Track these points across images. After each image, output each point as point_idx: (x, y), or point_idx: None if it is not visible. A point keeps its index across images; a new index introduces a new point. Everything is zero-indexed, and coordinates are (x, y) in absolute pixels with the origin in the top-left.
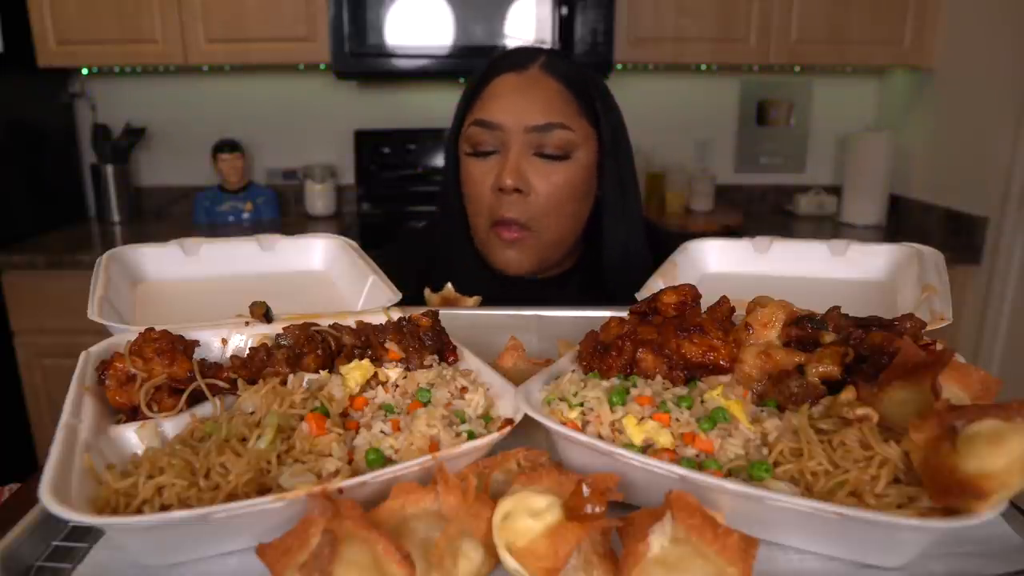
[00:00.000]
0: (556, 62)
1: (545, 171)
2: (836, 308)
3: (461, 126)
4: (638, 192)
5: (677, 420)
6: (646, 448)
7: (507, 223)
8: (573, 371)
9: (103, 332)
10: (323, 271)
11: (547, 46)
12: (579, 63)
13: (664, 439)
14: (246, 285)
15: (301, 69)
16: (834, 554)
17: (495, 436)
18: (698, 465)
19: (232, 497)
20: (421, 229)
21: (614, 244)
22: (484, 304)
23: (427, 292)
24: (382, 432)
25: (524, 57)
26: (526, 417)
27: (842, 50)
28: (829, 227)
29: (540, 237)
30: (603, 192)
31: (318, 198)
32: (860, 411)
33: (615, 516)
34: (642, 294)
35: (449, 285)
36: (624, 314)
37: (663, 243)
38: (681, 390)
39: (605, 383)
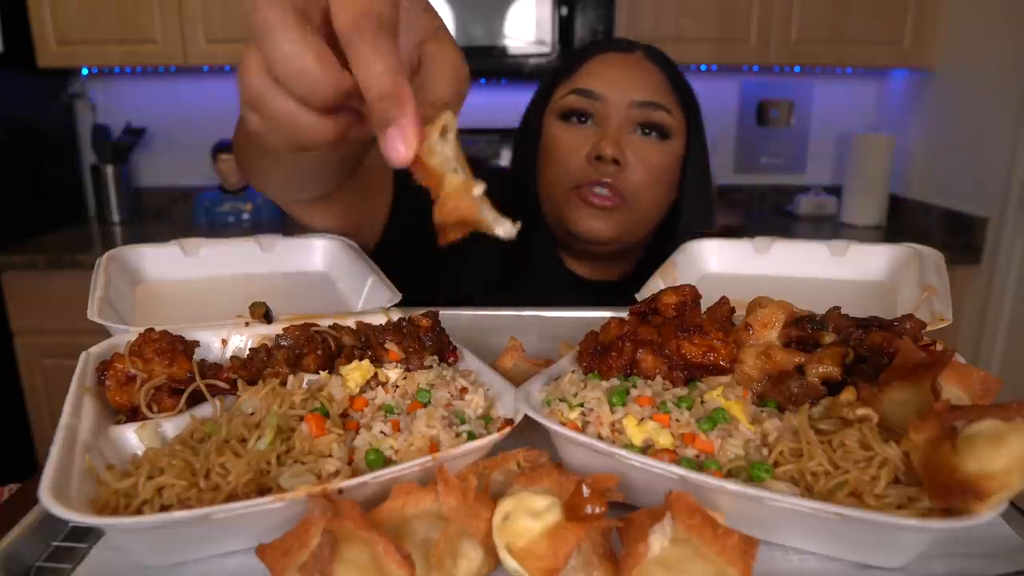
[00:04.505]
0: (656, 53)
1: (643, 148)
2: (836, 308)
3: (549, 96)
4: (713, 201)
5: (677, 420)
6: (646, 448)
7: (602, 185)
8: (573, 372)
9: (103, 332)
10: (323, 271)
11: (547, 47)
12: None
13: (664, 439)
14: (246, 285)
15: None
16: (834, 554)
17: (495, 437)
18: (698, 465)
19: (232, 497)
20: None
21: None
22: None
23: None
24: (382, 433)
25: (626, 43)
26: (526, 417)
27: (842, 50)
28: (829, 227)
29: (632, 211)
30: (684, 189)
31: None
32: (860, 411)
33: (615, 516)
34: (642, 294)
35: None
36: (624, 314)
37: None
38: (681, 390)
39: (605, 384)
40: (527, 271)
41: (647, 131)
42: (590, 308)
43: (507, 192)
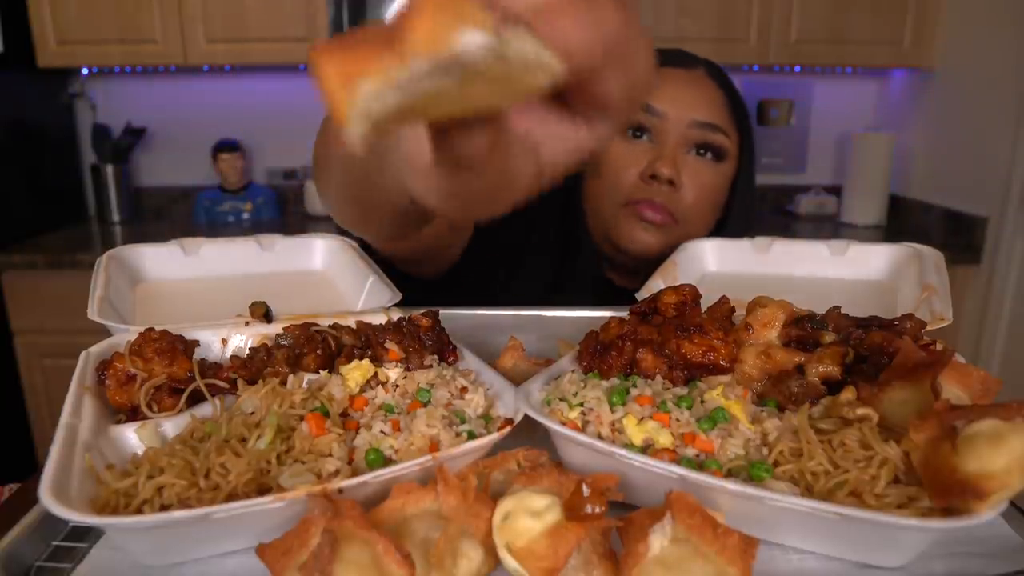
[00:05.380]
0: (716, 70)
1: (697, 170)
2: (836, 308)
3: None
4: (755, 220)
5: (677, 420)
6: (646, 448)
7: (654, 206)
8: (573, 371)
9: (103, 332)
10: (323, 271)
11: None
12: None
13: (664, 439)
14: (246, 285)
15: (301, 69)
16: (834, 554)
17: (495, 436)
18: (698, 465)
19: (232, 497)
20: None
21: None
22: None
23: None
24: (382, 432)
25: (689, 58)
26: (526, 417)
27: (842, 50)
28: (829, 227)
29: (681, 230)
30: (731, 210)
31: (318, 198)
32: (860, 411)
33: (615, 516)
34: (642, 294)
35: None
36: (624, 314)
37: None
38: (681, 390)
39: (605, 383)
40: (575, 282)
41: (702, 152)
42: (590, 308)
43: (553, 196)
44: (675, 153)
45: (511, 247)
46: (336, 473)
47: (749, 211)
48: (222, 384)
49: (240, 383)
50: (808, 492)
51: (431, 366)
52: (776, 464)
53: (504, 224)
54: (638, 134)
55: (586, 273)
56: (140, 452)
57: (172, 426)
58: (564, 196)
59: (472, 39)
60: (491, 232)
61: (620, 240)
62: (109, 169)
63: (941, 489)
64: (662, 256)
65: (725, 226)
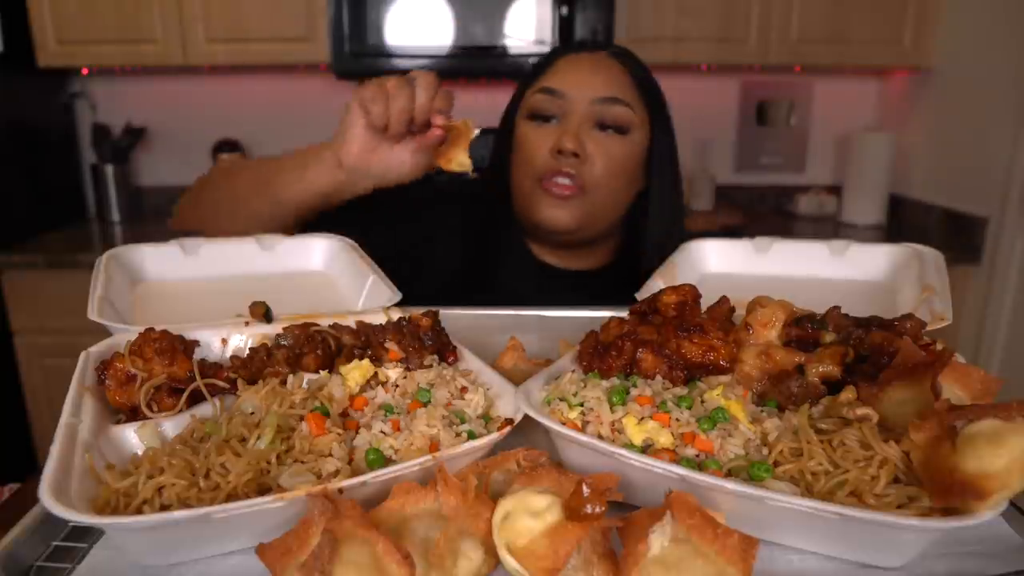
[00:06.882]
0: (622, 53)
1: (603, 142)
2: (836, 308)
3: (521, 97)
4: (682, 193)
5: (677, 420)
6: (646, 448)
7: (562, 175)
8: (573, 371)
9: (103, 332)
10: (323, 271)
11: (547, 47)
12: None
13: (664, 439)
14: (246, 285)
15: (301, 69)
16: (834, 554)
17: (495, 436)
18: (698, 465)
19: (232, 497)
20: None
21: (656, 235)
22: (484, 304)
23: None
24: (382, 432)
25: (593, 44)
26: (526, 417)
27: (842, 50)
28: (829, 227)
29: (591, 201)
30: (651, 181)
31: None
32: (860, 411)
33: (615, 516)
34: (642, 294)
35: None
36: (624, 314)
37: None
38: (681, 390)
39: (605, 383)
40: (494, 262)
41: (607, 126)
42: (590, 308)
43: (474, 181)
44: (579, 128)
45: (431, 220)
46: (336, 473)
47: (673, 180)
48: (222, 384)
49: (240, 383)
50: (808, 492)
51: (431, 366)
52: (776, 464)
53: (425, 198)
54: (548, 119)
55: (509, 251)
56: (140, 452)
57: (172, 426)
58: (490, 177)
59: None
60: (411, 204)
61: (532, 214)
62: (109, 169)
63: (941, 489)
64: (573, 231)
65: (648, 197)
